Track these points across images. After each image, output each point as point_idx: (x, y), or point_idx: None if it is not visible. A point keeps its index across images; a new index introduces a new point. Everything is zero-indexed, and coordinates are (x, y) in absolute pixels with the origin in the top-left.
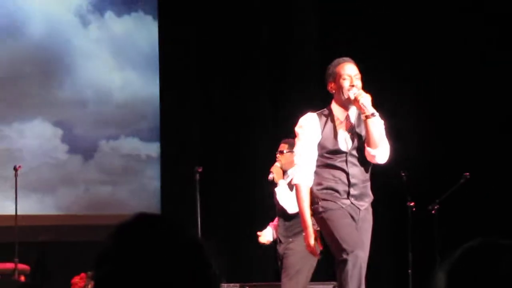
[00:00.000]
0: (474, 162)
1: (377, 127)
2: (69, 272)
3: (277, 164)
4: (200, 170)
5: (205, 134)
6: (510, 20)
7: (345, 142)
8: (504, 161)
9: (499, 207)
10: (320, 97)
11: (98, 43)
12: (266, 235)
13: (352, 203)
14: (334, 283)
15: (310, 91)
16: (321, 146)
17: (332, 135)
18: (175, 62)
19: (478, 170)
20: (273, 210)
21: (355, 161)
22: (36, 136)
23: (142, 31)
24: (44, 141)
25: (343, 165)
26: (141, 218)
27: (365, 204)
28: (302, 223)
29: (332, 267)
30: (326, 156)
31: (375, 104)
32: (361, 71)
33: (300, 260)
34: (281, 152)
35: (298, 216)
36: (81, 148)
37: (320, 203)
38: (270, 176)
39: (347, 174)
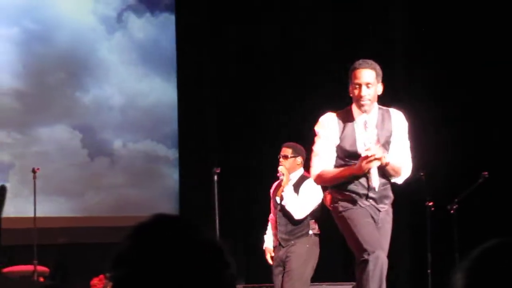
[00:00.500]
0: (493, 161)
1: (393, 169)
2: (88, 274)
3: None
4: (218, 171)
5: (222, 136)
6: None
7: (363, 145)
8: None
9: None
10: (337, 100)
11: (120, 48)
12: (269, 249)
13: (371, 204)
14: (353, 283)
15: (327, 92)
16: (340, 148)
17: (351, 137)
18: (192, 65)
19: (497, 170)
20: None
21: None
22: (57, 140)
23: (161, 35)
24: (64, 144)
25: None
26: (159, 219)
27: (385, 207)
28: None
29: (350, 268)
30: (345, 158)
31: (394, 105)
32: (378, 73)
33: (303, 263)
34: (285, 157)
35: (301, 220)
36: (100, 151)
37: (339, 202)
38: (281, 177)
39: (367, 177)
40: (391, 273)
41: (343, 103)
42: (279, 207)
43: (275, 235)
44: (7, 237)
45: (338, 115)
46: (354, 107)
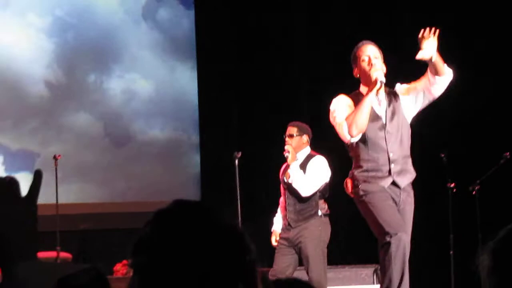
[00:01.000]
0: None
1: (440, 63)
2: (111, 260)
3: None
4: (239, 155)
5: (243, 120)
6: None
7: (379, 118)
8: None
9: None
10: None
11: (145, 38)
12: (276, 232)
13: (394, 181)
14: (375, 265)
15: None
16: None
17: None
18: (212, 50)
19: None
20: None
21: (393, 137)
22: (82, 127)
23: (182, 22)
24: (88, 132)
25: (381, 142)
26: (179, 205)
27: (407, 181)
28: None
29: (372, 250)
30: (364, 132)
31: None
32: (382, 51)
33: (318, 246)
34: (291, 136)
35: (310, 199)
36: (122, 138)
37: (360, 186)
38: (287, 155)
39: (386, 151)
40: (413, 255)
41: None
42: (287, 186)
43: (284, 216)
44: None
45: (349, 96)
46: (362, 88)
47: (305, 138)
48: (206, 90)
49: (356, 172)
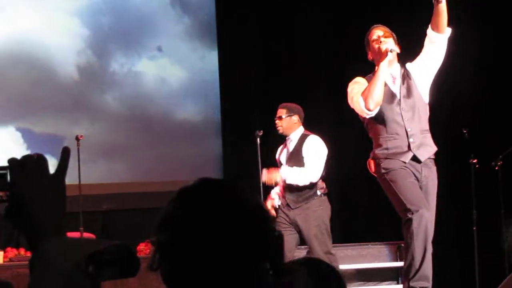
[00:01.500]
0: None
1: (444, 12)
2: (134, 240)
3: (263, 176)
4: (261, 133)
5: (264, 98)
6: None
7: (394, 95)
8: None
9: None
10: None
11: (169, 21)
12: (275, 201)
13: (414, 155)
14: (399, 242)
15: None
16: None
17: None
18: (233, 33)
19: None
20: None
21: (409, 113)
22: (105, 108)
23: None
24: (111, 113)
25: (398, 119)
26: (202, 183)
27: (427, 155)
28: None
29: (395, 228)
30: (380, 109)
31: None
32: (394, 32)
33: (321, 226)
34: (280, 118)
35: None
36: (145, 118)
37: (382, 164)
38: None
39: (404, 126)
40: (436, 232)
41: None
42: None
43: (283, 196)
44: None
45: (365, 78)
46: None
47: (295, 118)
48: (227, 73)
49: (377, 151)
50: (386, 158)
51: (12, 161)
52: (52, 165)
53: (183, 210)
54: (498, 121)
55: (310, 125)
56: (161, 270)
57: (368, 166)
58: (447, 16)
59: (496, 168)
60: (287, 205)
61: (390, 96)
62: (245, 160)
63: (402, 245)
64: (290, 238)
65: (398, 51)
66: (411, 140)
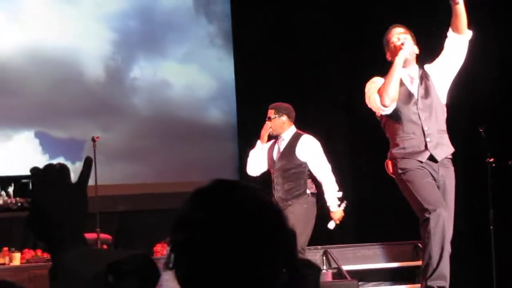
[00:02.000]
0: None
1: (463, 13)
2: (150, 240)
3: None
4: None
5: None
6: None
7: (411, 95)
8: None
9: None
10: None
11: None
12: None
13: (431, 154)
14: (415, 242)
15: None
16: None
17: (401, 88)
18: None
19: None
20: None
21: (426, 113)
22: (118, 109)
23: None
24: (126, 114)
25: (415, 118)
26: (218, 183)
27: (444, 154)
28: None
29: (412, 227)
30: (397, 108)
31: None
32: (413, 32)
33: (302, 225)
34: (269, 119)
35: (298, 178)
36: (159, 119)
37: (399, 164)
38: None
39: (421, 125)
40: (454, 231)
41: None
42: (277, 166)
43: (271, 195)
44: None
45: (383, 78)
46: None
47: (284, 118)
48: (243, 69)
49: (394, 151)
50: (403, 158)
51: (34, 170)
52: (73, 171)
53: (199, 210)
54: None
55: (326, 126)
56: (176, 270)
57: (385, 167)
58: (466, 17)
59: None
60: (276, 203)
61: (407, 96)
62: None
63: (419, 244)
64: None
65: (417, 51)
66: (428, 139)
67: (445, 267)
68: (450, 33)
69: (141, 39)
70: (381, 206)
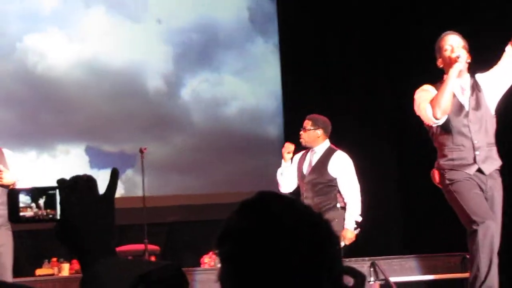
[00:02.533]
0: None
1: None
2: (198, 251)
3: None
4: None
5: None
6: None
7: (462, 106)
8: None
9: None
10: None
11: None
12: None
13: (479, 168)
14: (463, 253)
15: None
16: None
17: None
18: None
19: None
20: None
21: (476, 125)
22: (169, 122)
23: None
24: (174, 126)
25: (465, 130)
26: (262, 196)
27: (493, 168)
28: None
29: (460, 239)
30: (447, 119)
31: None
32: (467, 40)
33: None
34: (304, 129)
35: (328, 192)
36: (210, 130)
37: (446, 175)
38: (298, 171)
39: (471, 138)
40: (502, 243)
41: None
42: (307, 179)
43: None
44: (119, 217)
45: (433, 86)
46: (446, 77)
47: (319, 132)
48: (289, 93)
49: (442, 161)
50: (451, 169)
51: (61, 181)
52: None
53: (243, 222)
54: None
55: (373, 134)
56: (223, 281)
57: (432, 177)
58: None
59: None
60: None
61: (458, 107)
62: None
63: (467, 256)
64: None
65: (468, 60)
66: (477, 153)
67: (493, 279)
68: (509, 48)
69: (198, 54)
70: (428, 217)
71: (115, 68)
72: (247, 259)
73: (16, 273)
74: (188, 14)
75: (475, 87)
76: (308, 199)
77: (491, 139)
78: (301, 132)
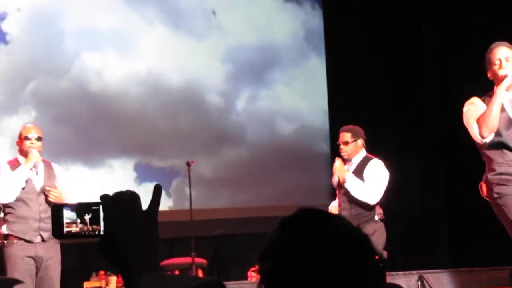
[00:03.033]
0: None
1: None
2: (245, 264)
3: (336, 163)
4: None
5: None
6: None
7: (511, 121)
8: None
9: None
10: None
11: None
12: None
13: None
14: (511, 267)
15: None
16: None
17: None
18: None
19: None
20: None
21: None
22: (219, 136)
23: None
24: (224, 139)
25: None
26: (303, 212)
27: None
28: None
29: (508, 252)
30: (496, 133)
31: None
32: None
33: None
34: (346, 143)
35: (365, 203)
36: (249, 141)
37: (494, 189)
38: (335, 180)
39: None
40: None
41: None
42: (343, 190)
43: None
44: (166, 230)
45: (482, 99)
46: (496, 90)
47: (360, 142)
48: (335, 108)
49: (490, 175)
50: (499, 184)
51: (104, 197)
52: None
53: (284, 238)
54: None
55: (423, 145)
56: None
57: (480, 190)
58: None
59: None
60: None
61: (507, 122)
62: None
63: None
64: None
65: None
66: None
67: None
68: None
69: (252, 71)
70: (476, 230)
71: (172, 85)
72: (287, 275)
73: (65, 286)
74: (245, 31)
75: None
76: (345, 210)
77: None
78: (342, 147)
